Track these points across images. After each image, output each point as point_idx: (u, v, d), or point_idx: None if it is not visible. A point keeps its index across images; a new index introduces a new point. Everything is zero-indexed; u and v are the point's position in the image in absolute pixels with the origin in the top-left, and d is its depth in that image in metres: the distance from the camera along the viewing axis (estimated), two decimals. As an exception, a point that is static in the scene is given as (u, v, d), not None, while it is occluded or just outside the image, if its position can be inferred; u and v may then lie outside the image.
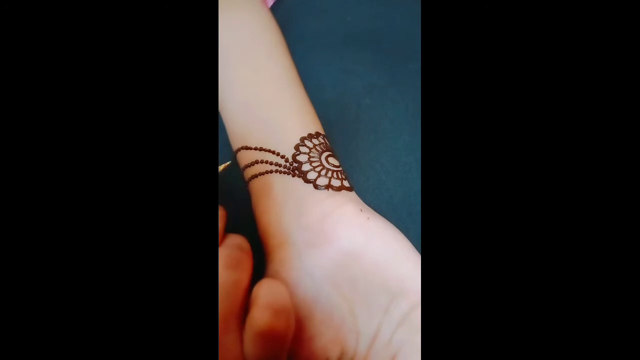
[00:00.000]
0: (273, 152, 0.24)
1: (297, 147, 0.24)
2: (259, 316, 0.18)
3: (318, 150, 0.25)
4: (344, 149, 0.28)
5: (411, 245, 0.22)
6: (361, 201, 0.25)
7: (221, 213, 0.20)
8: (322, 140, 0.25)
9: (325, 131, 0.27)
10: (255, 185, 0.25)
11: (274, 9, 0.35)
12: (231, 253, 0.19)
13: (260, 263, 0.20)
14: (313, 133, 0.25)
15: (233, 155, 0.27)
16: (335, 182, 0.24)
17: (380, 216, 0.23)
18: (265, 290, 0.19)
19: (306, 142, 0.25)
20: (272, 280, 0.20)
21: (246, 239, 0.21)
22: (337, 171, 0.24)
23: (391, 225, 0.23)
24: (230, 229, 0.20)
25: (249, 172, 0.25)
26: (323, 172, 0.24)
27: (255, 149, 0.25)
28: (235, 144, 0.26)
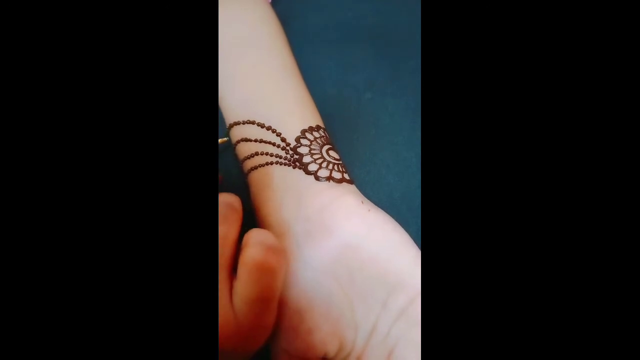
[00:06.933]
0: (273, 144, 0.24)
1: (297, 139, 0.24)
2: (253, 251, 0.19)
3: (319, 143, 0.25)
4: (344, 144, 0.27)
5: (411, 239, 0.22)
6: (361, 194, 0.24)
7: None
8: (323, 134, 0.25)
9: (325, 125, 0.27)
10: (254, 176, 0.25)
11: (274, 4, 0.35)
12: (219, 209, 0.20)
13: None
14: (314, 126, 0.25)
15: (232, 146, 0.26)
16: (336, 174, 0.24)
17: (380, 209, 0.23)
18: (254, 233, 0.20)
19: (307, 134, 0.25)
20: (260, 229, 0.21)
21: (239, 199, 0.22)
22: (337, 164, 0.24)
23: (391, 218, 0.23)
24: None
25: (249, 164, 0.25)
26: (324, 164, 0.24)
27: (255, 140, 0.25)
28: (235, 136, 0.26)
